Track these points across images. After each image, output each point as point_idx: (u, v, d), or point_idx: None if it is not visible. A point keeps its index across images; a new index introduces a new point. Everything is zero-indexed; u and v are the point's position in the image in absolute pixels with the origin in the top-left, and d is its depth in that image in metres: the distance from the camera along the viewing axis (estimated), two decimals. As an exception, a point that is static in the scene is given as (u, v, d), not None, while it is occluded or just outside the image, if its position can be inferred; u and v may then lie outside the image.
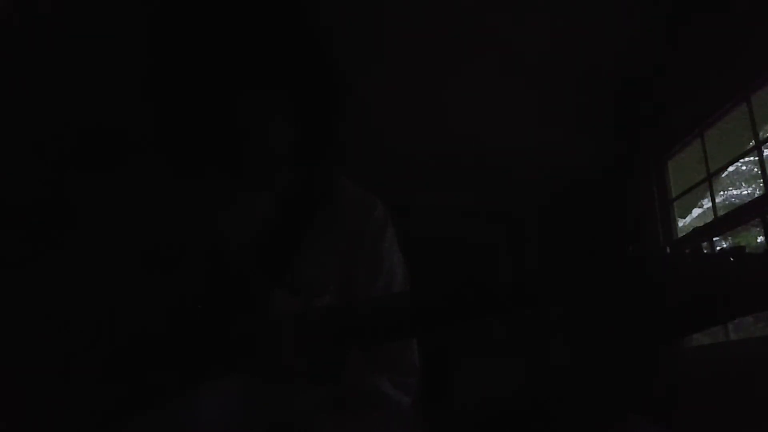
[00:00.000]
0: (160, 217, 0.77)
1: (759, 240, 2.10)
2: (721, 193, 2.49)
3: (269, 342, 0.72)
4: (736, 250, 0.55)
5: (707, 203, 2.56)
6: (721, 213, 2.39)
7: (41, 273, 0.74)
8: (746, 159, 2.40)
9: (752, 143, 2.28)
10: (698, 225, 2.64)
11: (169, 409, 0.69)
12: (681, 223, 2.75)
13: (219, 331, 0.71)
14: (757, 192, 2.25)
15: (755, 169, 2.28)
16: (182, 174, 0.79)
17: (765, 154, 2.17)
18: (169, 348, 0.70)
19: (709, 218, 2.49)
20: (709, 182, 2.55)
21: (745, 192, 2.42)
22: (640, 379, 2.03)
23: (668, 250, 0.58)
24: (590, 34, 2.41)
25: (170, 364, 0.70)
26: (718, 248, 0.57)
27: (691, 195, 2.75)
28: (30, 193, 0.80)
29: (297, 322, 0.72)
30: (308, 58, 0.78)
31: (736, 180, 2.49)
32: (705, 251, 0.55)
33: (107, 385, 0.69)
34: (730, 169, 2.47)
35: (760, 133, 2.22)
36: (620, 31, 2.39)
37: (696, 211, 2.70)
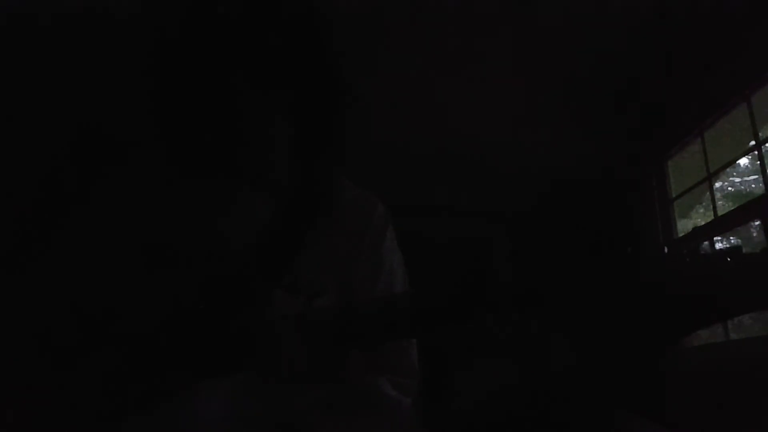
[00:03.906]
0: (161, 217, 0.77)
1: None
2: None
3: (269, 342, 0.72)
4: (733, 250, 0.55)
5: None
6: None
7: (41, 273, 0.74)
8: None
9: (752, 143, 2.29)
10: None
11: (169, 409, 0.69)
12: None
13: (219, 331, 0.71)
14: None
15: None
16: (182, 174, 0.79)
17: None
18: (169, 348, 0.71)
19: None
20: (709, 182, 2.55)
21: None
22: (639, 379, 2.03)
23: (666, 250, 0.58)
24: (590, 34, 2.41)
25: (170, 364, 0.70)
26: (715, 248, 0.57)
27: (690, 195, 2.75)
28: (30, 192, 0.81)
29: (297, 323, 0.72)
30: (309, 58, 0.78)
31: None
32: (702, 251, 0.56)
33: (107, 384, 0.69)
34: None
35: (760, 134, 2.22)
36: (620, 31, 2.39)
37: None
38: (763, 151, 2.20)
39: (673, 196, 2.83)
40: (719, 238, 2.38)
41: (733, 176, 2.67)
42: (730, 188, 2.86)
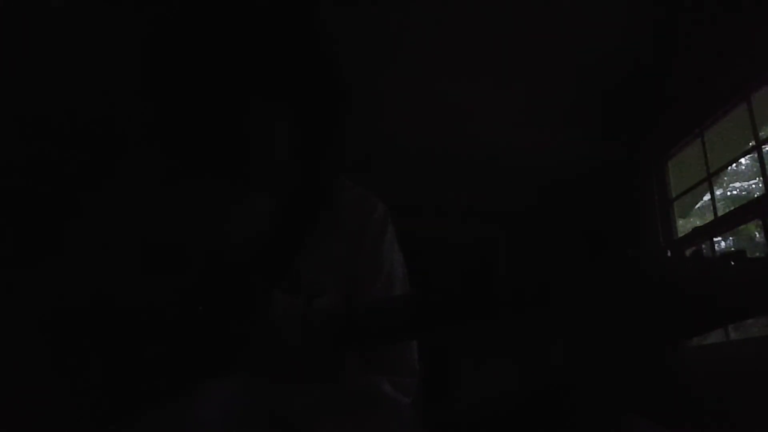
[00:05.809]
0: (163, 218, 0.77)
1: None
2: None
3: (269, 342, 0.72)
4: (736, 254, 0.55)
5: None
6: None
7: (42, 272, 0.74)
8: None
9: (752, 143, 2.29)
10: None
11: (169, 408, 0.69)
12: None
13: (219, 331, 0.71)
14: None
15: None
16: (184, 175, 0.79)
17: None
18: (170, 348, 0.71)
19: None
20: (709, 182, 2.55)
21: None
22: (640, 379, 2.03)
23: (668, 252, 0.58)
24: (591, 34, 2.41)
25: (171, 364, 0.70)
26: (718, 252, 0.57)
27: (690, 195, 2.75)
28: (31, 192, 0.81)
29: (297, 323, 0.72)
30: (312, 66, 0.78)
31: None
32: (706, 254, 0.55)
33: (108, 384, 0.69)
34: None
35: (760, 134, 2.22)
36: (621, 31, 2.39)
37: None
38: (763, 151, 2.20)
39: (673, 196, 2.83)
40: (719, 238, 2.39)
41: (734, 180, 2.67)
42: (732, 191, 2.86)
